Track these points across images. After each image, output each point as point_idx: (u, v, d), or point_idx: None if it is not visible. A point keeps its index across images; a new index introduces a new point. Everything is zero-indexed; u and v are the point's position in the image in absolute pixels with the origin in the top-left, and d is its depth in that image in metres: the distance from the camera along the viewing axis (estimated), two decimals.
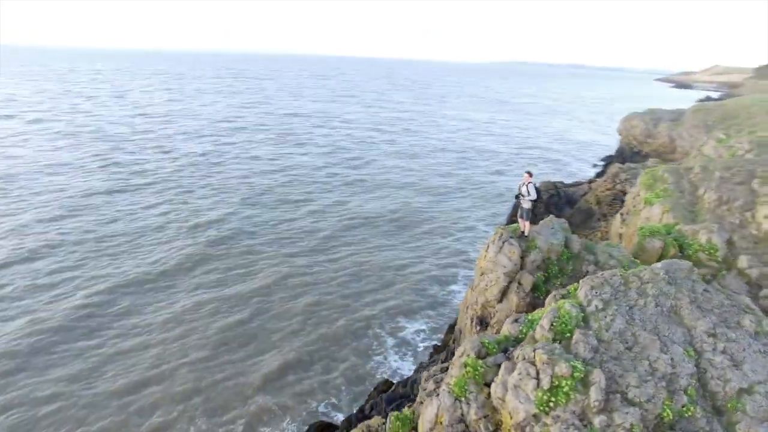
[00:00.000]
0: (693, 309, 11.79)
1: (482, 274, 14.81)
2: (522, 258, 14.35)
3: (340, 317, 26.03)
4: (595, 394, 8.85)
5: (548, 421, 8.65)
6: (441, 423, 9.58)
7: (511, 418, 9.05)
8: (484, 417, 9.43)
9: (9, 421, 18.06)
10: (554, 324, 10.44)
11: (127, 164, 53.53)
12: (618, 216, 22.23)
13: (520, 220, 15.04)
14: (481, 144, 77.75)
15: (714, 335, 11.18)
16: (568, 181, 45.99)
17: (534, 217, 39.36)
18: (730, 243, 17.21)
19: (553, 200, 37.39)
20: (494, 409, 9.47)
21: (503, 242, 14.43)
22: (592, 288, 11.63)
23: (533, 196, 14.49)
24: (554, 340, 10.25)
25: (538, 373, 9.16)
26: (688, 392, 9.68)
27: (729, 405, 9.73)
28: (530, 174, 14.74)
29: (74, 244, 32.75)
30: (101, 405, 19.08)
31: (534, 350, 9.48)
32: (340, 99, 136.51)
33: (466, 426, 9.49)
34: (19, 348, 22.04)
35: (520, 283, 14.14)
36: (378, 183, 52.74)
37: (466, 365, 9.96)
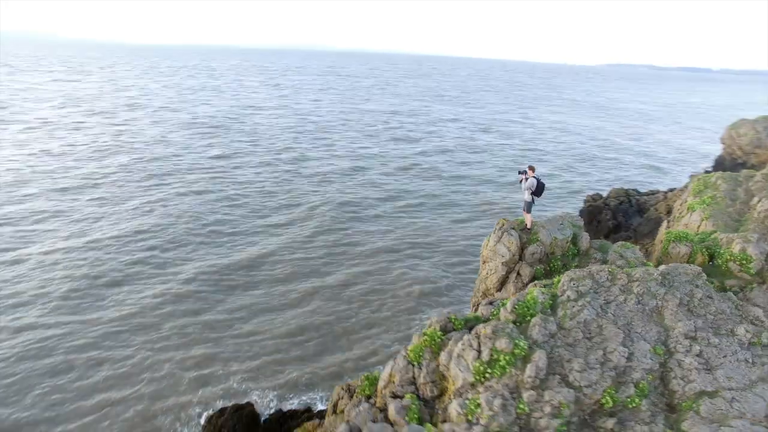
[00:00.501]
0: (679, 311, 11.54)
1: (484, 262, 15.26)
2: (522, 249, 14.62)
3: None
4: (530, 371, 9.29)
5: (481, 389, 9.27)
6: (393, 382, 10.50)
7: (453, 384, 9.77)
8: (432, 382, 10.19)
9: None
10: (517, 307, 10.88)
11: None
12: (665, 222, 21.06)
13: (523, 212, 15.24)
14: (580, 150, 74.08)
15: (693, 338, 10.92)
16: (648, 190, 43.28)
17: (597, 224, 37.78)
18: None
19: (623, 208, 35.57)
20: (442, 377, 10.20)
21: (503, 233, 14.77)
22: (572, 280, 11.82)
23: (533, 189, 14.65)
24: (515, 323, 10.71)
25: (480, 346, 9.76)
26: (640, 386, 9.71)
27: (684, 404, 9.61)
28: (532, 169, 14.91)
29: None
30: None
31: (465, 322, 10.09)
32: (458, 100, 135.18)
33: (416, 388, 10.34)
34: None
35: (519, 274, 14.42)
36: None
37: (425, 335, 10.78)
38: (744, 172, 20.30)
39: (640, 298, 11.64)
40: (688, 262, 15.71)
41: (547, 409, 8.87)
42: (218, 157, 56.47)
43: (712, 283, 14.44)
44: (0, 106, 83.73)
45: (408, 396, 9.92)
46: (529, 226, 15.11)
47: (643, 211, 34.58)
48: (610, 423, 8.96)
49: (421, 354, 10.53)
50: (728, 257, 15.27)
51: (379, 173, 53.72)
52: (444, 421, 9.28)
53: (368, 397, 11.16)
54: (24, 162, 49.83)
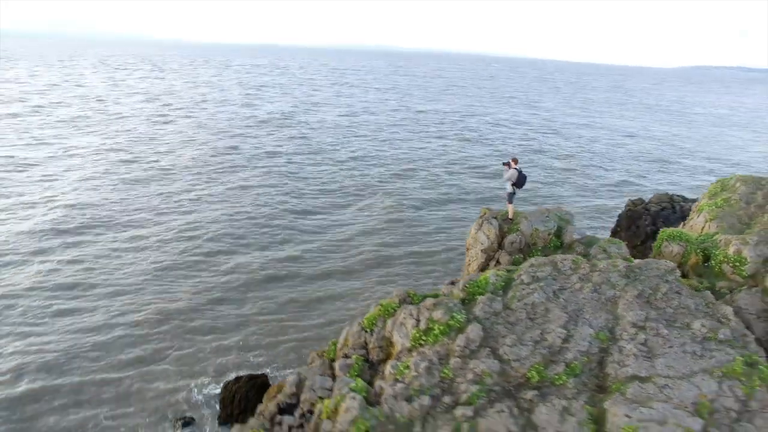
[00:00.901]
0: (635, 302, 11.73)
1: (468, 250, 15.85)
2: (502, 238, 15.07)
3: None
4: (460, 341, 10.01)
5: (414, 354, 10.12)
6: (347, 345, 11.54)
7: (395, 349, 10.67)
8: (379, 347, 11.11)
9: None
10: (468, 286, 11.58)
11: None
12: (681, 224, 20.39)
13: (507, 204, 15.66)
14: (650, 156, 70.19)
15: (642, 328, 11.12)
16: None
17: (635, 229, 36.54)
18: None
19: (665, 213, 34.10)
20: (389, 342, 11.10)
21: (484, 221, 15.29)
22: (532, 266, 12.31)
23: (514, 180, 15.04)
24: (464, 300, 11.43)
25: (419, 316, 10.59)
26: (571, 366, 10.15)
27: (613, 386, 9.95)
28: (515, 161, 15.29)
29: None
30: None
31: (424, 298, 10.90)
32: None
33: (367, 351, 11.30)
34: None
35: (498, 262, 14.89)
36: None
37: (380, 305, 11.72)
38: (766, 177, 19.24)
39: (598, 288, 11.94)
40: (681, 262, 15.53)
41: (470, 376, 9.59)
42: (296, 153, 58.32)
43: (702, 284, 14.32)
44: (99, 99, 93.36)
45: (355, 357, 10.96)
46: (510, 216, 15.54)
47: (687, 217, 33.07)
48: (531, 395, 9.52)
49: (374, 322, 11.52)
50: (722, 258, 14.95)
51: (442, 172, 53.78)
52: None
53: (332, 360, 12.30)
54: (125, 148, 55.74)
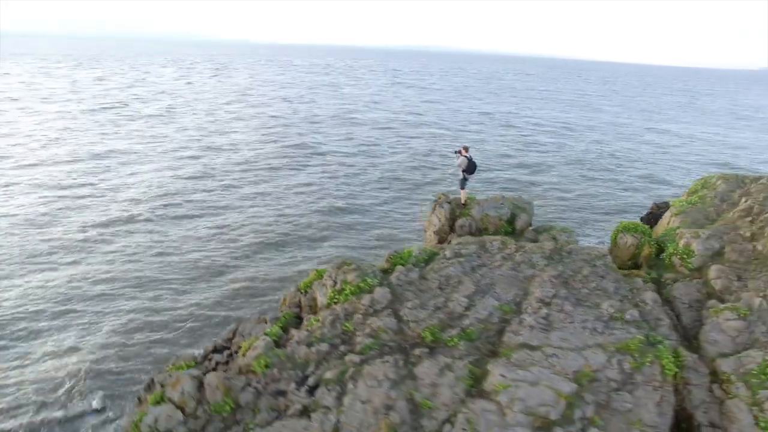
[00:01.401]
0: (550, 281, 12.46)
1: (425, 231, 16.87)
2: (453, 222, 15.97)
3: None
4: (365, 301, 11.25)
5: (327, 310, 11.48)
6: (285, 304, 13.07)
7: (318, 307, 12.09)
8: (309, 305, 12.54)
9: None
10: (392, 257, 12.77)
11: None
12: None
13: (460, 189, 16.54)
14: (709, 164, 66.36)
15: (547, 304, 11.87)
16: None
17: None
18: (719, 254, 15.04)
19: None
20: (315, 301, 12.51)
21: (437, 205, 16.27)
22: (459, 243, 13.31)
23: (464, 167, 15.88)
24: (387, 270, 12.65)
25: (336, 278, 11.92)
26: (467, 331, 11.12)
27: (503, 351, 10.84)
28: (466, 149, 16.12)
29: None
30: None
31: (343, 263, 12.21)
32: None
33: (300, 309, 12.77)
34: None
35: (449, 243, 15.82)
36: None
37: (316, 271, 13.13)
38: (754, 176, 18.69)
39: (517, 266, 12.76)
40: (634, 254, 15.83)
41: (367, 330, 10.83)
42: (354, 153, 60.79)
43: (649, 274, 14.70)
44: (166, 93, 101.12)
45: (287, 312, 12.50)
46: (463, 202, 16.42)
47: None
48: (420, 352, 10.62)
49: (309, 285, 12.99)
50: (672, 251, 15.15)
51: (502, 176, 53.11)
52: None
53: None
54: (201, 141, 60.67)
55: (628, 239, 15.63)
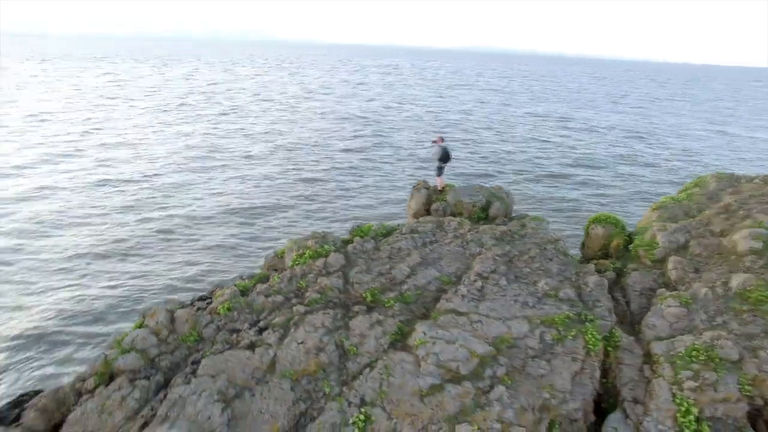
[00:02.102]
0: (492, 258, 13.50)
1: (408, 216, 18.16)
2: (428, 206, 17.13)
3: None
4: (319, 264, 12.90)
5: (289, 270, 13.27)
6: (265, 266, 14.98)
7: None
8: (282, 268, 14.37)
9: None
10: (354, 231, 14.32)
11: None
12: None
13: (436, 177, 17.71)
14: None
15: (484, 278, 12.94)
16: None
17: None
18: (683, 247, 15.07)
19: None
20: (284, 265, 14.33)
21: (415, 191, 17.48)
22: (417, 222, 14.65)
23: (439, 156, 17.00)
24: (347, 240, 14.24)
25: (299, 245, 13.65)
26: (404, 295, 12.46)
27: (433, 315, 12.08)
28: (441, 139, 17.23)
29: None
30: None
31: (313, 234, 13.93)
32: None
33: (276, 270, 14.62)
34: None
35: None
36: None
37: (291, 240, 14.91)
38: (750, 176, 18.21)
39: (466, 245, 13.90)
40: (604, 244, 16.34)
41: (317, 287, 12.48)
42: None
43: (613, 264, 15.31)
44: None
45: (262, 272, 14.44)
46: (439, 188, 17.55)
47: None
48: (358, 308, 12.11)
49: (284, 252, 14.86)
50: (638, 243, 15.55)
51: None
52: None
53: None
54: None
55: (599, 230, 16.18)
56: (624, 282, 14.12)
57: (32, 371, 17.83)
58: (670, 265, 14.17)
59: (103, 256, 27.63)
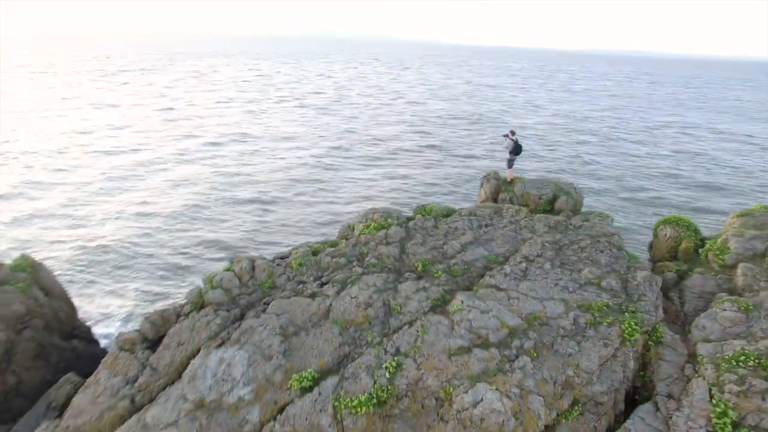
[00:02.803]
0: (541, 244, 14.08)
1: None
2: (496, 195, 17.72)
3: None
4: (380, 234, 14.47)
5: (355, 238, 15.01)
6: (340, 235, 16.92)
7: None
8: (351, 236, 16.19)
9: None
10: (416, 210, 15.69)
11: None
12: None
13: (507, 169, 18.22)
14: None
15: (530, 260, 13.63)
16: None
17: None
18: (760, 255, 13.94)
19: None
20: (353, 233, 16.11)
21: (485, 181, 18.13)
22: (478, 207, 15.61)
23: (511, 149, 17.46)
24: (410, 218, 15.65)
25: (367, 219, 15.32)
26: (452, 268, 13.60)
27: (475, 288, 13.08)
28: (513, 133, 17.67)
29: None
30: None
31: (382, 209, 15.55)
32: None
33: (346, 239, 16.45)
34: None
35: None
36: None
37: (360, 214, 16.65)
38: None
39: (519, 230, 14.62)
40: (672, 246, 15.94)
41: (376, 254, 14.11)
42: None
43: (678, 267, 15.12)
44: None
45: (335, 239, 16.40)
46: (509, 179, 18.06)
47: None
48: (408, 275, 13.54)
49: (354, 224, 16.68)
50: (709, 247, 15.00)
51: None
52: None
53: None
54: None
55: (668, 231, 15.85)
56: (683, 283, 13.85)
57: (152, 293, 22.92)
58: (739, 271, 13.63)
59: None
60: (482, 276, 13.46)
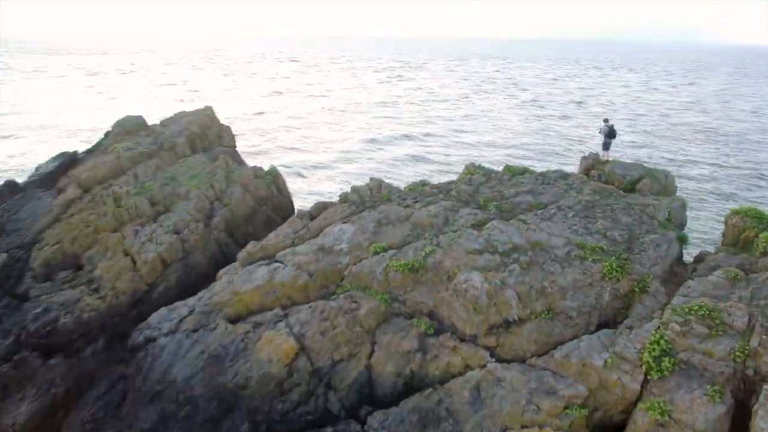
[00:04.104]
0: (574, 199, 17.36)
1: None
2: (589, 171, 20.14)
3: None
4: (466, 179, 19.84)
5: (452, 181, 20.70)
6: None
7: None
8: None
9: None
10: (504, 168, 20.25)
11: None
12: None
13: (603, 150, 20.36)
14: None
15: (560, 209, 17.20)
16: None
17: None
18: None
19: None
20: None
21: (582, 159, 20.58)
22: (551, 171, 19.37)
23: (606, 133, 19.63)
24: (493, 172, 20.40)
25: (470, 168, 20.67)
26: (502, 207, 18.23)
27: (509, 219, 17.53)
28: (606, 120, 19.73)
29: None
30: None
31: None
32: None
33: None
34: None
35: None
36: None
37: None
38: None
39: (569, 190, 18.09)
40: (738, 234, 16.67)
41: (458, 190, 19.69)
42: None
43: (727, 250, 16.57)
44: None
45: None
46: (603, 160, 20.29)
47: None
48: (473, 206, 18.79)
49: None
50: (764, 238, 15.59)
51: None
52: None
53: None
54: None
55: (736, 220, 16.70)
56: (708, 257, 15.31)
57: None
58: None
59: None
60: (523, 213, 17.77)
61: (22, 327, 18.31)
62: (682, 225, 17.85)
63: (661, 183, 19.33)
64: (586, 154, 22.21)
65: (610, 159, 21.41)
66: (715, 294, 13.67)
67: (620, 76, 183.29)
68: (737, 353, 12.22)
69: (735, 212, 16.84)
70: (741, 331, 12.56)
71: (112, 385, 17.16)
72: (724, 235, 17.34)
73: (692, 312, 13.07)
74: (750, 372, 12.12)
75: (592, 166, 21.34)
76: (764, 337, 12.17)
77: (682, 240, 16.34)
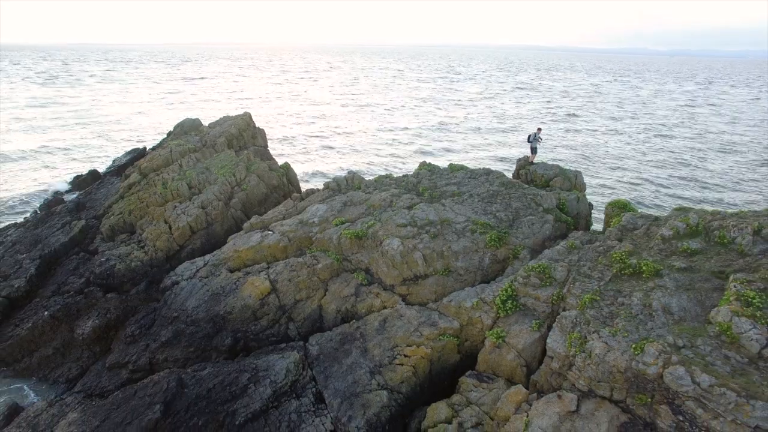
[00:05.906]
0: (483, 187, 22.43)
1: None
2: (519, 171, 24.88)
3: None
4: (415, 172, 25.31)
5: (405, 175, 26.20)
6: None
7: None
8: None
9: None
10: (421, 165, 25.52)
11: None
12: None
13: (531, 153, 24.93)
14: None
15: (471, 196, 22.34)
16: None
17: None
18: (630, 229, 17.46)
19: None
20: None
21: (517, 161, 25.22)
22: (480, 169, 24.48)
23: (533, 139, 24.30)
24: (426, 165, 25.71)
25: (422, 164, 26.05)
26: (434, 192, 23.63)
27: (434, 202, 22.91)
28: (539, 130, 24.26)
29: None
30: None
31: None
32: None
33: None
34: None
35: None
36: None
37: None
38: None
39: (482, 184, 23.15)
40: (609, 221, 21.03)
41: (406, 181, 25.24)
42: None
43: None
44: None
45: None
46: (530, 161, 24.92)
47: None
48: (413, 192, 24.35)
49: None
50: (616, 222, 19.94)
51: None
52: None
53: None
54: None
55: (608, 210, 21.10)
56: (571, 234, 19.96)
57: None
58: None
59: None
60: (444, 199, 23.08)
61: (91, 271, 25.81)
62: (577, 213, 22.34)
63: (572, 181, 23.81)
64: (520, 158, 26.90)
65: (536, 161, 25.98)
66: (556, 258, 18.42)
67: None
68: (554, 297, 16.97)
69: (609, 204, 21.20)
70: (561, 282, 17.26)
71: (147, 314, 23.97)
72: (604, 221, 21.67)
73: (533, 270, 17.90)
74: (559, 310, 16.81)
75: (523, 166, 26.04)
76: (571, 285, 16.80)
77: (564, 222, 20.96)
